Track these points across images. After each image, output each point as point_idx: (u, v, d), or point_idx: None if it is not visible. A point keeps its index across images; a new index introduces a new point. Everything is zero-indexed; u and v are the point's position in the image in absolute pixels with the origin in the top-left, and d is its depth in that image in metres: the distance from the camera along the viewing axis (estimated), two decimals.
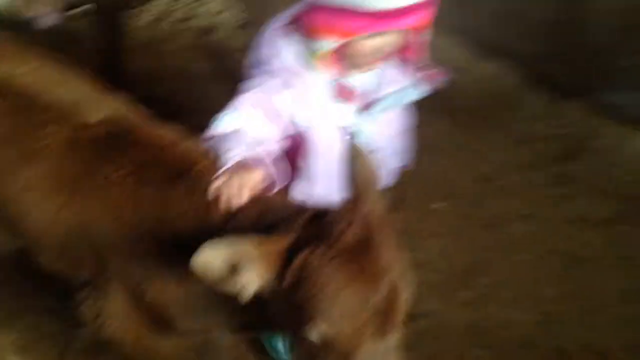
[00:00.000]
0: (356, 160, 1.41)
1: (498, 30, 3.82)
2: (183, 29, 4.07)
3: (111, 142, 1.68)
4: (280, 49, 1.73)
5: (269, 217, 1.46)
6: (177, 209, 1.58)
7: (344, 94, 1.75)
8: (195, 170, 1.60)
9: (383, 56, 1.70)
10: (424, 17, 1.65)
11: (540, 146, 3.29)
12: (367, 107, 1.84)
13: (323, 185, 1.85)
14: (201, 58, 3.86)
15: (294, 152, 1.83)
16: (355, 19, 1.57)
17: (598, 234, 2.83)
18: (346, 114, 1.80)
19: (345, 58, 1.70)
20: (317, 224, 1.34)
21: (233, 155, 1.59)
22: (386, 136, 1.92)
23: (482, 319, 2.50)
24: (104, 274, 1.71)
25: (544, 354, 2.39)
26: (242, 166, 1.56)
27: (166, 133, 1.72)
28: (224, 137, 1.68)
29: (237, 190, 1.49)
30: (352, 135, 1.80)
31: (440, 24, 1.79)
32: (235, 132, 1.68)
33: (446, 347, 2.39)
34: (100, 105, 1.77)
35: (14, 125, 1.74)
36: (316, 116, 1.76)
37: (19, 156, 1.73)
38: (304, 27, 1.71)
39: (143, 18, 4.10)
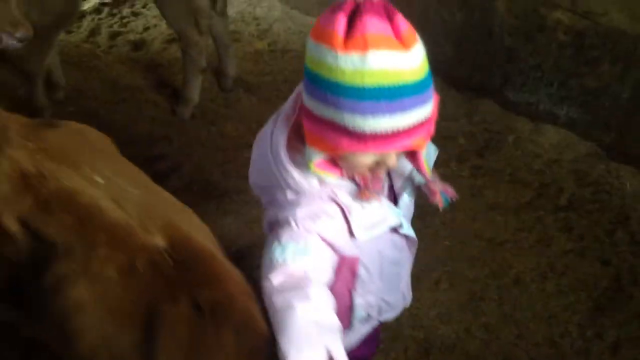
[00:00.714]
0: None
1: None
2: (114, 45, 4.12)
3: (172, 273, 1.47)
4: (300, 168, 1.50)
5: None
6: None
7: (369, 190, 1.56)
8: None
9: (384, 168, 1.51)
10: (424, 136, 1.41)
11: (461, 142, 3.48)
12: (392, 196, 1.71)
13: (383, 289, 1.79)
14: (134, 72, 3.92)
15: (347, 265, 1.68)
16: (344, 136, 1.34)
17: (514, 219, 3.04)
18: (383, 210, 1.63)
19: (342, 165, 1.51)
20: None
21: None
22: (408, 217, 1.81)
23: (413, 301, 2.69)
24: None
25: (470, 328, 2.60)
26: None
27: (234, 271, 1.54)
28: (294, 289, 1.45)
29: None
30: (399, 228, 1.70)
31: None
32: (305, 279, 1.48)
33: (382, 329, 2.55)
34: (162, 223, 1.55)
35: (70, 242, 1.55)
36: (360, 224, 1.59)
37: (72, 273, 1.54)
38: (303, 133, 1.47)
39: (75, 34, 4.13)
